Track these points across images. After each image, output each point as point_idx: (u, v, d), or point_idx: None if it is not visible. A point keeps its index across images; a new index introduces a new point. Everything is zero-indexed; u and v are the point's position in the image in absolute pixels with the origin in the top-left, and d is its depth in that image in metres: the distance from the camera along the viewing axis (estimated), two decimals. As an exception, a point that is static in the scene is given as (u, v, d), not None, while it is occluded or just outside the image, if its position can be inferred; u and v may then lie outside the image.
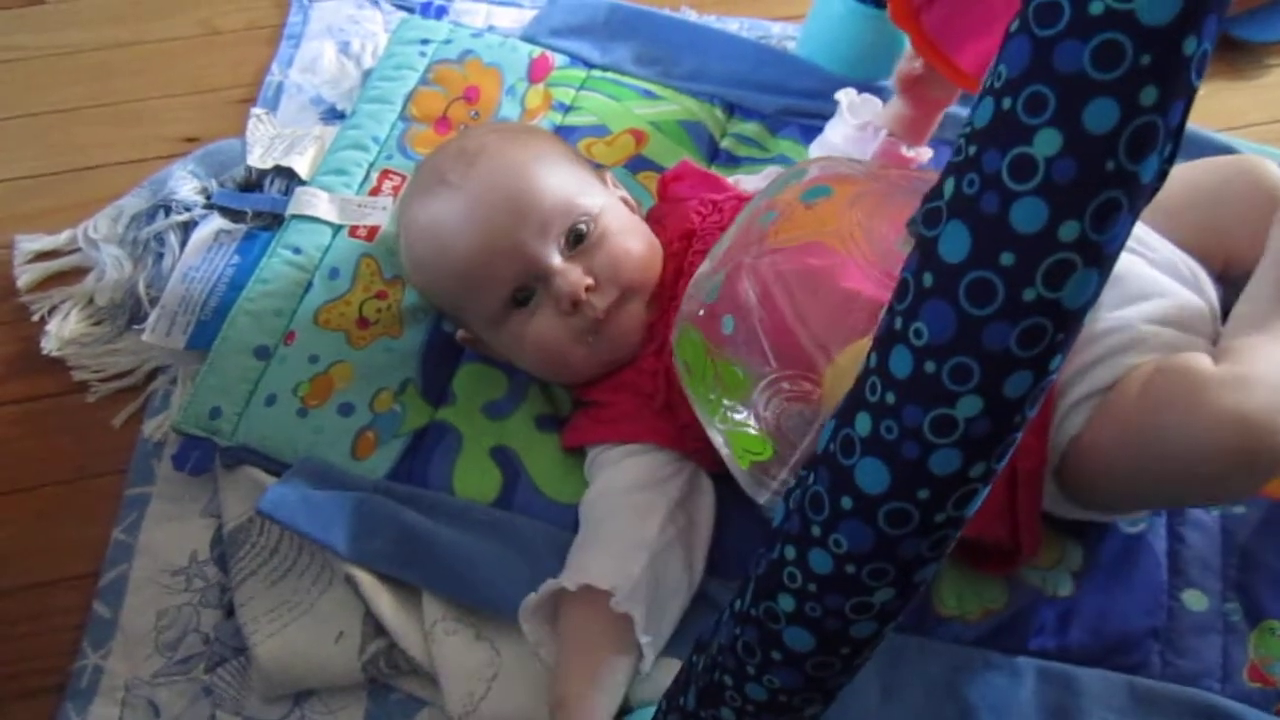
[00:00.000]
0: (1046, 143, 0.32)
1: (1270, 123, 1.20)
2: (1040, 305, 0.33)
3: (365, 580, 0.76)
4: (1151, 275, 0.78)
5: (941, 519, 0.37)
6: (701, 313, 0.65)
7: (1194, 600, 0.81)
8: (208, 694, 0.76)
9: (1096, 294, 0.34)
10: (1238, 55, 1.24)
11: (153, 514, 0.83)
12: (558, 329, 0.77)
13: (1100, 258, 0.33)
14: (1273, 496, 0.85)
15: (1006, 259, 0.33)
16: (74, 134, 1.06)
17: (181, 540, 0.82)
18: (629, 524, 0.74)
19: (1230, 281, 0.83)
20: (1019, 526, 0.75)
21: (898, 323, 0.35)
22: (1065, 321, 0.33)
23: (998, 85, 0.33)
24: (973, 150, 0.33)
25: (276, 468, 0.82)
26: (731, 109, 1.04)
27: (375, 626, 0.76)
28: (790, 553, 0.40)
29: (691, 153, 0.99)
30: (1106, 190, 0.32)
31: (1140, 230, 0.80)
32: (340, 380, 0.85)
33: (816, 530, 0.39)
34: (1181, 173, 0.85)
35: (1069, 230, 0.32)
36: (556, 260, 0.77)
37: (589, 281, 0.77)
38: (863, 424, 0.37)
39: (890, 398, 0.35)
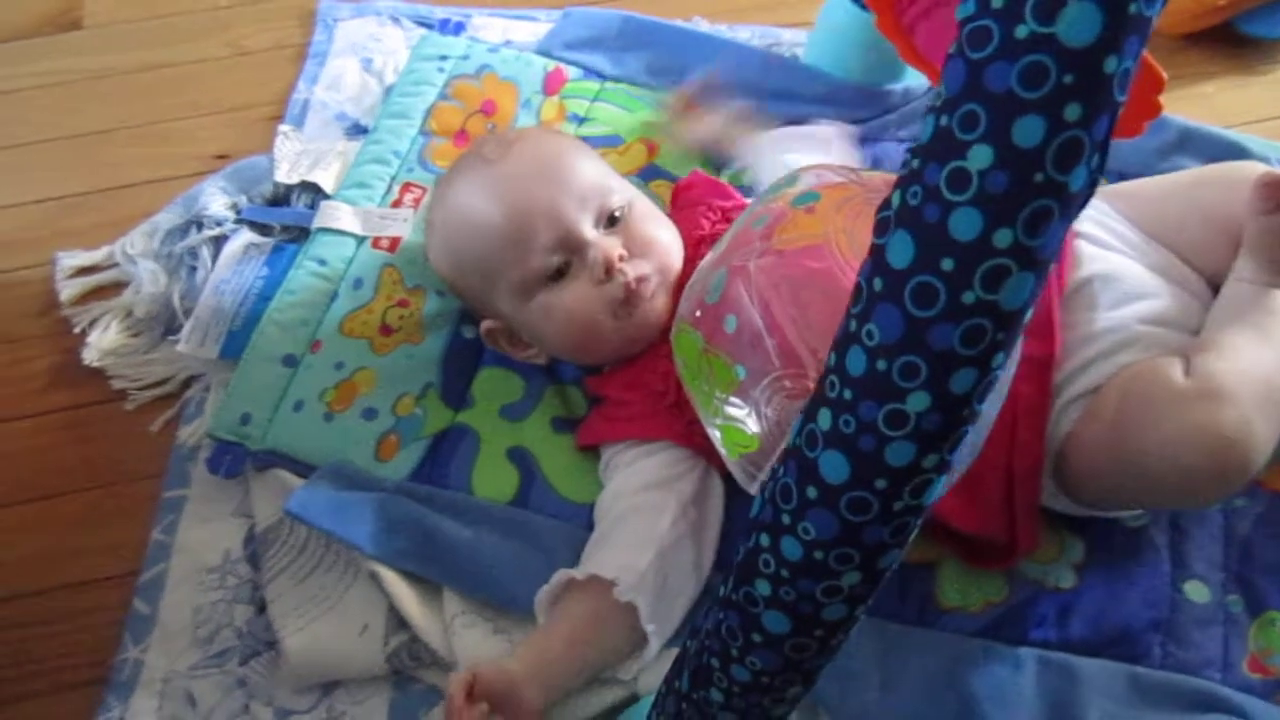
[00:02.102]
0: (980, 157, 0.34)
1: (1281, 118, 1.21)
2: (980, 307, 0.35)
3: (388, 576, 0.79)
4: (1146, 276, 0.80)
5: (900, 507, 0.39)
6: (698, 313, 0.68)
7: (1196, 592, 0.82)
8: (241, 685, 0.80)
9: (1034, 295, 0.36)
10: (1248, 51, 1.24)
11: (189, 515, 0.88)
12: (591, 298, 0.80)
13: (1034, 262, 0.35)
14: (1273, 489, 0.86)
15: (947, 264, 0.35)
16: (111, 154, 1.11)
17: (216, 540, 0.86)
18: (640, 521, 0.77)
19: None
20: (1016, 523, 0.77)
21: (853, 325, 0.38)
22: (1004, 321, 0.36)
23: (938, 104, 0.35)
24: (916, 164, 0.36)
25: (304, 470, 0.85)
26: (743, 117, 1.06)
27: (398, 620, 0.79)
28: (765, 540, 0.43)
29: (702, 161, 1.02)
30: (1037, 200, 0.34)
31: (1136, 235, 0.82)
32: (364, 386, 0.89)
33: (786, 519, 0.42)
34: (1175, 180, 0.87)
35: (1003, 237, 0.34)
36: (592, 233, 0.81)
37: (623, 252, 0.80)
38: (824, 419, 0.39)
39: (848, 394, 0.38)
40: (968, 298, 0.35)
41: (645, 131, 1.04)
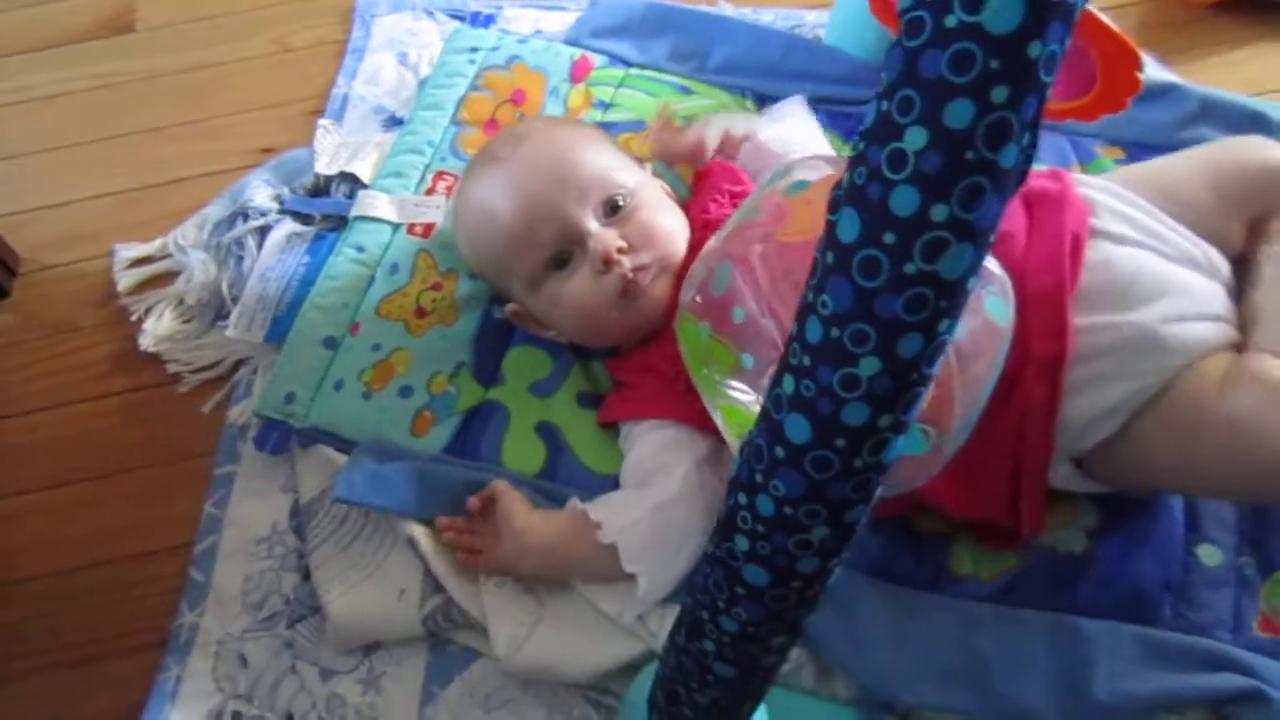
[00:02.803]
0: (915, 139, 0.37)
1: (1312, 83, 1.20)
2: (921, 277, 0.38)
3: (424, 542, 0.84)
4: (1166, 271, 0.78)
5: (859, 464, 0.42)
6: (699, 299, 0.71)
7: (1208, 555, 0.84)
8: (289, 647, 0.85)
9: (975, 264, 0.39)
10: (1276, 17, 1.24)
11: (239, 490, 0.93)
12: (592, 289, 0.84)
13: (971, 234, 0.38)
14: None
15: (889, 238, 0.38)
16: (163, 150, 1.17)
17: (264, 513, 0.91)
18: (651, 478, 0.81)
19: (1241, 258, 0.84)
20: (1021, 512, 0.79)
21: (810, 295, 0.41)
22: (945, 290, 0.38)
23: (880, 91, 0.38)
24: (862, 146, 0.39)
25: (345, 446, 0.90)
26: (762, 99, 1.09)
27: (434, 584, 0.84)
28: (742, 499, 0.46)
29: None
30: (970, 177, 0.37)
31: (1152, 223, 0.80)
32: (400, 366, 0.93)
33: (759, 478, 0.45)
34: (1192, 157, 0.87)
35: (939, 212, 0.37)
36: (593, 224, 0.84)
37: (622, 244, 0.84)
38: (788, 384, 0.42)
39: (807, 360, 0.41)
40: (909, 269, 0.38)
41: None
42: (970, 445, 0.73)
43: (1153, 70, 1.15)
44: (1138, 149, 1.02)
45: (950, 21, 0.36)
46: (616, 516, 0.79)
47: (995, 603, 0.82)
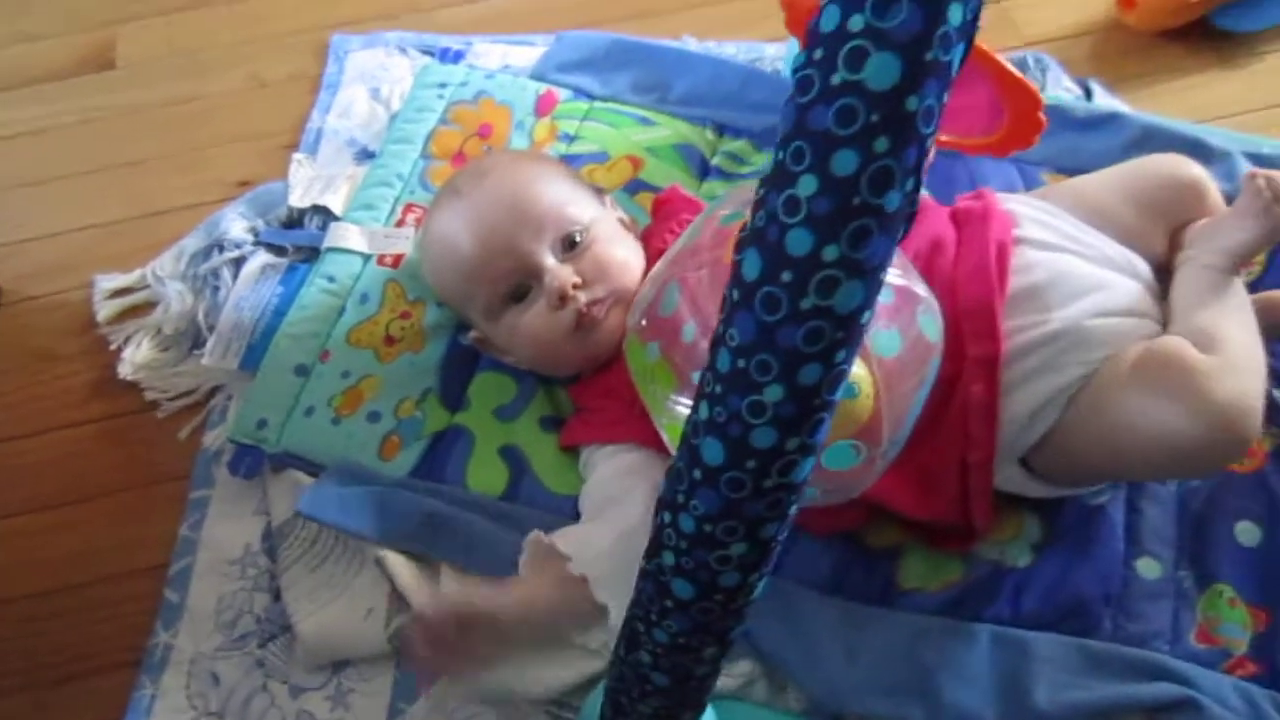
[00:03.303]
0: (807, 185, 0.40)
1: (1262, 109, 1.24)
2: (817, 312, 0.41)
3: (391, 561, 0.87)
4: (1089, 270, 0.85)
5: (770, 484, 0.45)
6: (644, 322, 0.74)
7: (1147, 568, 0.87)
8: (260, 665, 0.88)
9: (867, 299, 0.42)
10: (1228, 45, 1.28)
11: (213, 513, 0.96)
12: (548, 322, 0.88)
13: (861, 271, 0.41)
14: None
15: (787, 277, 0.41)
16: (143, 183, 1.20)
17: (237, 535, 0.94)
18: (613, 507, 0.84)
19: (1164, 268, 0.89)
20: (971, 510, 0.83)
21: (720, 329, 0.44)
22: (840, 323, 0.42)
23: (777, 143, 0.42)
24: (763, 192, 0.42)
25: (316, 470, 0.93)
26: (722, 129, 1.13)
27: (400, 603, 0.87)
28: (668, 517, 0.49)
29: (684, 172, 1.09)
30: (857, 220, 0.40)
31: (1076, 230, 0.87)
32: (369, 392, 0.96)
33: (681, 498, 0.48)
34: (1113, 174, 0.93)
35: (831, 252, 0.40)
36: (549, 260, 0.88)
37: (576, 280, 0.87)
38: (703, 411, 0.46)
39: (719, 389, 0.44)
40: (806, 304, 0.41)
41: (631, 149, 1.10)
42: (919, 449, 0.78)
43: (1098, 98, 1.20)
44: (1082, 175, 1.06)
45: (835, 79, 0.39)
46: (584, 548, 0.80)
47: (942, 615, 0.85)
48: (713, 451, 0.46)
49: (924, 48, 0.39)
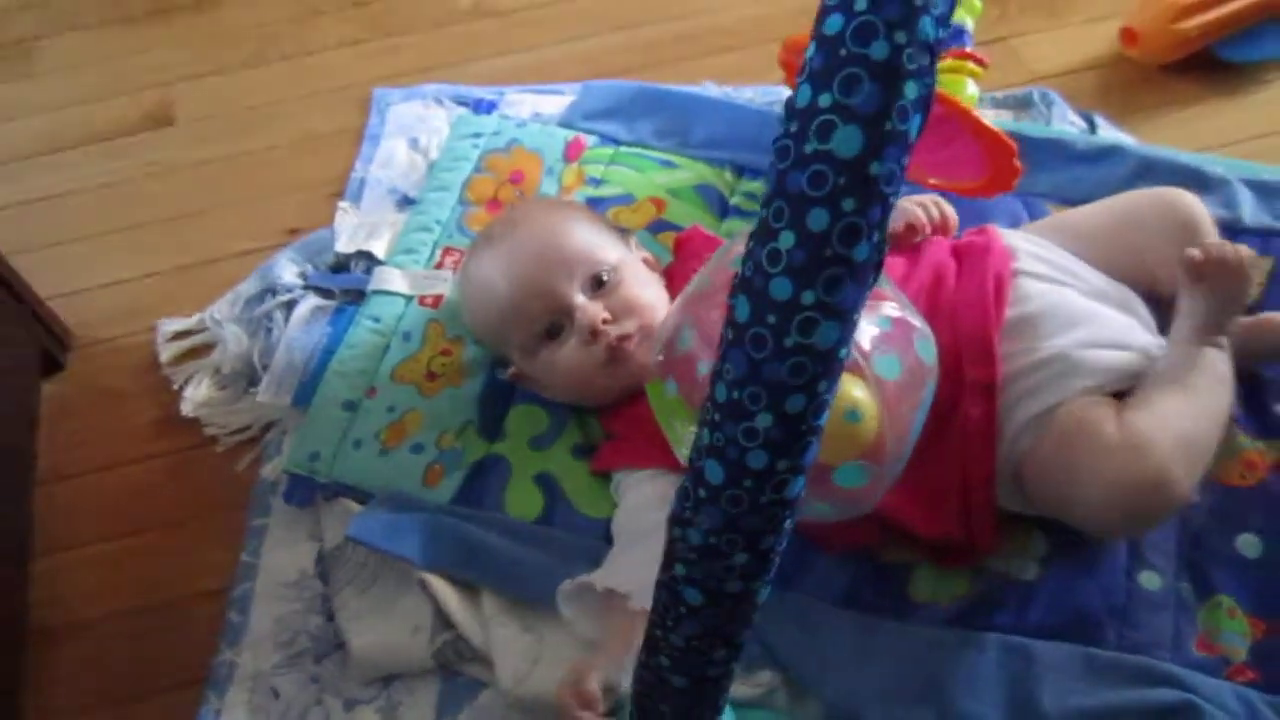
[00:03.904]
0: (786, 239, 0.46)
1: (1263, 136, 1.28)
2: (798, 349, 0.47)
3: (434, 584, 0.93)
4: (1082, 304, 0.90)
5: (765, 501, 0.51)
6: (661, 358, 0.80)
7: (1149, 580, 0.91)
8: (315, 681, 0.94)
9: (843, 337, 0.48)
10: (1229, 75, 1.32)
11: (270, 540, 1.03)
12: (581, 356, 0.94)
13: (836, 313, 0.47)
14: (1225, 483, 0.95)
15: (771, 319, 0.47)
16: (201, 232, 1.29)
17: (293, 560, 1.01)
18: (650, 538, 0.89)
19: (1160, 300, 0.94)
20: (973, 527, 0.88)
21: (718, 364, 0.51)
22: (820, 358, 0.48)
23: (761, 203, 0.48)
24: (750, 245, 0.48)
25: (364, 498, 1.00)
26: (740, 170, 1.19)
27: (443, 621, 0.93)
28: (678, 532, 0.55)
29: (704, 212, 1.15)
30: (829, 269, 0.46)
31: (1072, 263, 0.93)
32: (412, 425, 1.03)
33: (689, 513, 0.54)
34: (1109, 207, 0.98)
35: (808, 297, 0.47)
36: (579, 299, 0.95)
37: (606, 315, 0.94)
38: (705, 436, 0.52)
39: (717, 416, 0.51)
40: (789, 342, 0.47)
41: (654, 191, 1.17)
42: (924, 469, 0.84)
43: (1102, 130, 1.25)
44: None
45: (808, 149, 0.46)
46: (636, 583, 0.83)
47: (952, 626, 0.89)
48: (714, 472, 0.52)
49: (884, 120, 0.45)
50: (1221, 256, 0.89)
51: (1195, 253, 0.89)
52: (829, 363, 0.48)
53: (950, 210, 1.01)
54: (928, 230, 0.99)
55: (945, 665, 0.87)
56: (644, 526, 0.91)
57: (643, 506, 0.92)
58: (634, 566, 0.88)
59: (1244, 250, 0.90)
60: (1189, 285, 0.90)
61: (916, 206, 1.00)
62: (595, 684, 0.82)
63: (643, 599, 0.84)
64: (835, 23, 0.45)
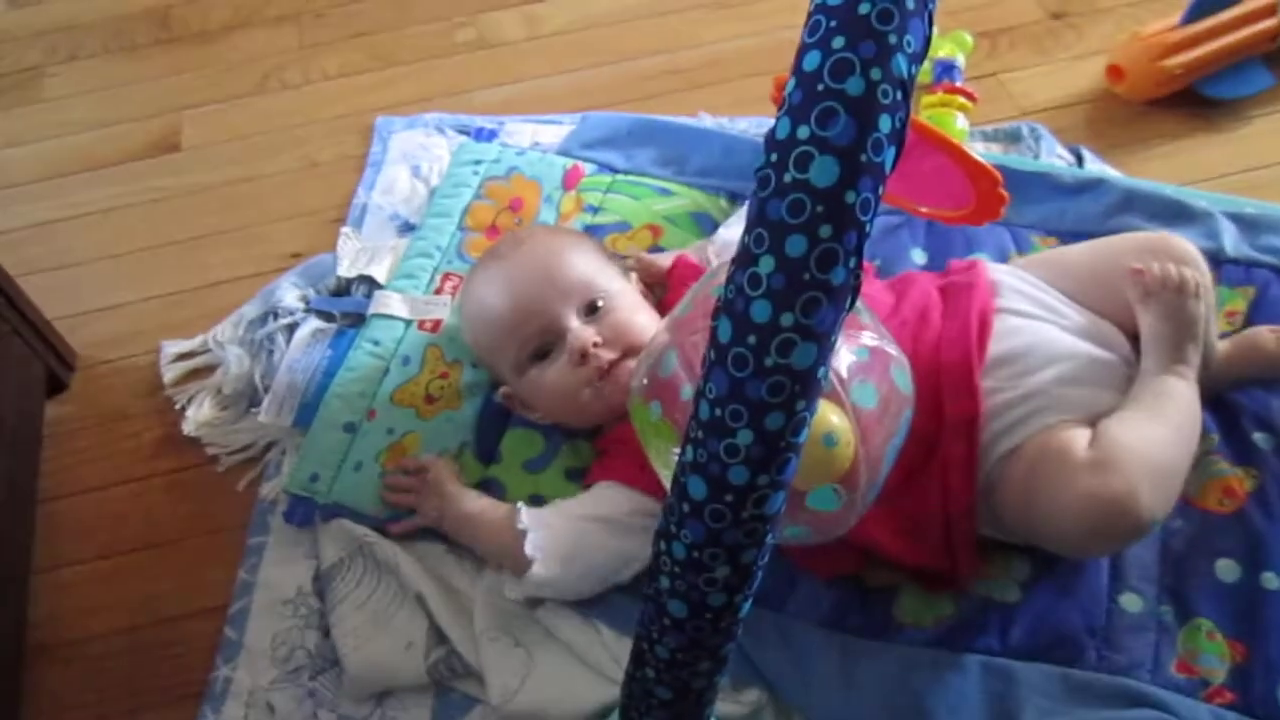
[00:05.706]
0: (766, 264, 0.49)
1: (1246, 171, 1.31)
2: (778, 369, 0.50)
3: (431, 597, 0.95)
4: (1064, 340, 0.92)
5: (747, 515, 0.53)
6: (645, 382, 0.82)
7: (1130, 603, 0.93)
8: (311, 696, 0.96)
9: (820, 358, 0.50)
10: (1213, 112, 1.36)
11: (269, 558, 1.04)
12: (570, 377, 0.97)
13: (814, 335, 0.49)
14: (1204, 508, 0.97)
15: (752, 340, 0.50)
16: (205, 256, 1.31)
17: (290, 578, 1.02)
18: (588, 530, 0.93)
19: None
20: (956, 556, 0.90)
21: (701, 384, 0.53)
22: (798, 378, 0.50)
23: (743, 230, 0.50)
24: (732, 270, 0.51)
25: (364, 520, 1.02)
26: (734, 198, 1.22)
27: (437, 637, 0.95)
28: (663, 546, 0.57)
29: (700, 239, 1.18)
30: (807, 292, 0.48)
31: (1056, 300, 0.95)
32: (411, 447, 1.05)
33: (673, 528, 0.56)
34: (1097, 246, 1.00)
35: (787, 319, 0.49)
36: (573, 322, 0.97)
37: (597, 339, 0.96)
38: (688, 453, 0.54)
39: (700, 434, 0.53)
40: (768, 362, 0.50)
41: (651, 218, 1.20)
42: (906, 501, 0.87)
43: (1089, 164, 1.28)
44: (1069, 236, 1.14)
45: (787, 178, 0.48)
46: (539, 513, 0.93)
47: (936, 648, 0.91)
48: (697, 487, 0.54)
49: (859, 152, 0.47)
50: (1164, 272, 0.92)
51: (1138, 265, 0.92)
52: (807, 382, 0.51)
53: None
54: None
55: (928, 686, 0.89)
56: (598, 512, 0.94)
57: (606, 503, 0.94)
58: (550, 507, 0.95)
59: (1189, 271, 0.92)
60: (1139, 304, 0.92)
61: None
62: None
63: (526, 521, 0.92)
64: (813, 59, 0.48)
